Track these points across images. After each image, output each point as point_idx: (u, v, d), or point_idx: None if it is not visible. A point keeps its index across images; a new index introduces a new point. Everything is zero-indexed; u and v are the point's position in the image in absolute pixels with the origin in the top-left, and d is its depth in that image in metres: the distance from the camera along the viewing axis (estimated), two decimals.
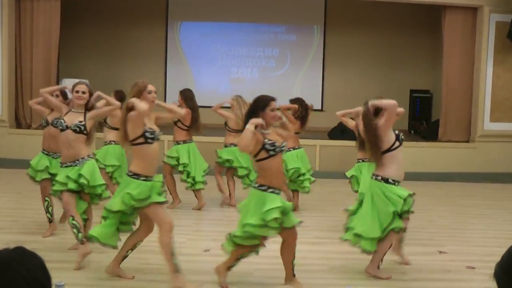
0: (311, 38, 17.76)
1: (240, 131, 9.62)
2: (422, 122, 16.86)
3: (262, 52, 17.79)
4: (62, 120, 6.71)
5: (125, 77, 17.17)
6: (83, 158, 6.68)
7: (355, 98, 16.42)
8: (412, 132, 16.83)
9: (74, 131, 6.62)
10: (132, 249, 6.11)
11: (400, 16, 17.24)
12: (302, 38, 17.76)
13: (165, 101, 17.49)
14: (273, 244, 6.06)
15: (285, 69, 17.80)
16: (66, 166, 6.70)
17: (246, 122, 5.73)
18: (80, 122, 6.65)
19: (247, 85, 17.35)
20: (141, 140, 5.72)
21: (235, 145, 9.39)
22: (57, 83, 14.49)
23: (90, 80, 14.83)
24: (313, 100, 17.48)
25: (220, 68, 17.74)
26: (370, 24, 17.36)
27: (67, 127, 6.64)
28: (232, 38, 17.75)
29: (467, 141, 14.41)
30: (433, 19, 16.38)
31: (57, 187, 6.70)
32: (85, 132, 6.67)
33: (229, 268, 5.98)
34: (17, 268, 2.12)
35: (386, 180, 6.18)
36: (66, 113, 6.81)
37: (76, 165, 6.66)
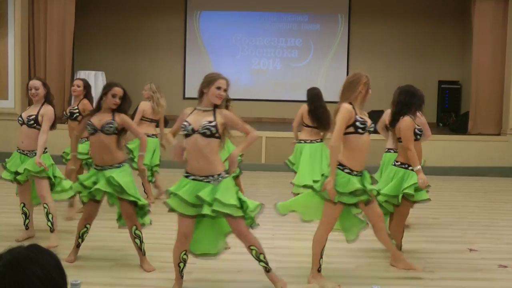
0: (335, 27, 17.69)
1: (154, 120, 9.87)
2: (451, 115, 16.76)
3: (284, 42, 17.75)
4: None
5: (143, 69, 17.26)
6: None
7: (381, 90, 16.27)
8: (441, 125, 16.71)
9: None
10: None
11: (428, 4, 17.12)
12: (326, 27, 17.70)
13: (184, 93, 17.55)
14: (288, 241, 6.05)
15: (309, 60, 17.74)
16: None
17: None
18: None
19: (269, 76, 17.34)
20: None
21: (149, 136, 9.40)
22: (72, 75, 14.56)
23: (106, 72, 14.97)
24: (338, 91, 17.49)
25: (240, 59, 17.73)
26: (396, 12, 17.25)
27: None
28: (253, 28, 17.73)
29: (499, 134, 14.26)
30: (462, 6, 16.25)
31: None
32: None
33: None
34: (31, 267, 2.12)
35: None
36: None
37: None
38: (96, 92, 13.47)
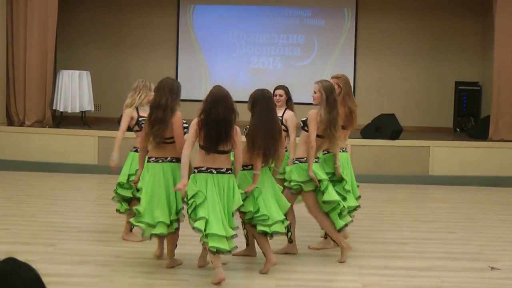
0: (341, 23, 17.68)
1: None
2: (470, 119, 16.73)
3: (285, 39, 17.74)
4: None
5: (132, 67, 17.21)
6: None
7: (392, 91, 16.30)
8: (458, 130, 16.69)
9: None
10: None
11: None
12: (330, 23, 17.68)
13: None
14: None
15: (312, 58, 17.74)
16: None
17: None
18: None
19: (269, 76, 17.31)
20: None
21: None
22: (54, 75, 14.54)
23: (92, 71, 14.93)
24: None
25: (238, 57, 17.72)
26: (408, 6, 17.24)
27: None
28: (252, 23, 17.72)
29: None
30: (483, 1, 16.27)
31: None
32: None
33: None
34: (13, 283, 2.09)
35: None
36: None
37: None
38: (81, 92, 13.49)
